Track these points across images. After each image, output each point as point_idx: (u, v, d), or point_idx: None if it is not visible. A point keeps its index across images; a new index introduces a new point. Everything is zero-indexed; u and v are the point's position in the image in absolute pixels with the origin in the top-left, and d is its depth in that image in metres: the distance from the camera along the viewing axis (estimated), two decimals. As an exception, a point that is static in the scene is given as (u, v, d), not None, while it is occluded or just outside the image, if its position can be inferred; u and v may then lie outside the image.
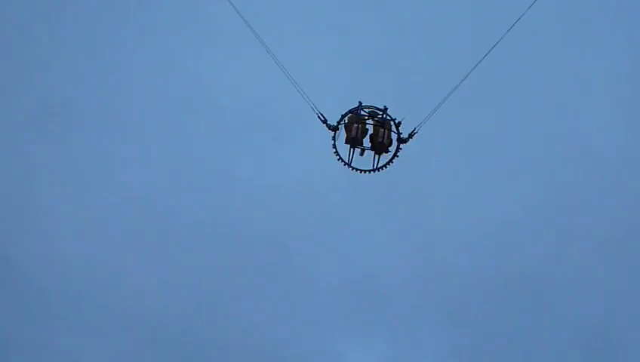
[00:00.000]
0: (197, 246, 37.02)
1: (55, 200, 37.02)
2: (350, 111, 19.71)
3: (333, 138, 19.88)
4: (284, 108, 34.93)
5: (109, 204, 37.04)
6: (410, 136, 19.69)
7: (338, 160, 19.73)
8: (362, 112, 19.69)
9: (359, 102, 19.83)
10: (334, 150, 19.76)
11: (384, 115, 19.57)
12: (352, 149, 19.64)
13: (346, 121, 19.62)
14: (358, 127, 19.37)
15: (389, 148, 19.65)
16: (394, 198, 36.58)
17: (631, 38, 38.15)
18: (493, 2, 34.78)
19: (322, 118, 19.80)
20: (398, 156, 19.54)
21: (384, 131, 19.44)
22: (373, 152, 19.72)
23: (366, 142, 19.74)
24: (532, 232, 37.36)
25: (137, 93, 37.69)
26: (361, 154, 19.87)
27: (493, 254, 37.13)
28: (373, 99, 19.80)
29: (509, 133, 37.61)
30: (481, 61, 21.26)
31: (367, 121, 19.56)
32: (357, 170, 19.68)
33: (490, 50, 21.53)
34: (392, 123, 19.59)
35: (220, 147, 37.49)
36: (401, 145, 19.57)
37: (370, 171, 19.63)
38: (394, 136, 19.56)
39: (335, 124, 19.82)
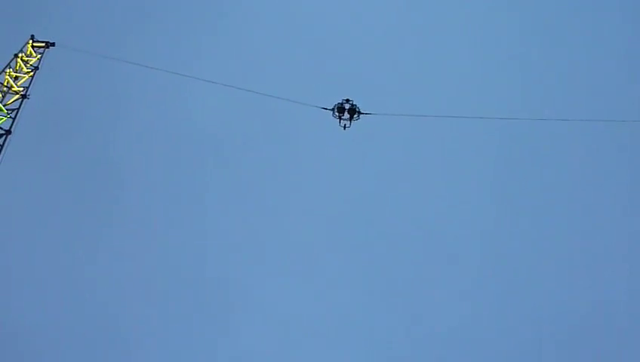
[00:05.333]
0: None
1: None
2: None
3: (333, 113, 38.03)
4: None
5: None
6: (364, 113, 38.01)
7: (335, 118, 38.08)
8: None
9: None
10: (334, 116, 38.04)
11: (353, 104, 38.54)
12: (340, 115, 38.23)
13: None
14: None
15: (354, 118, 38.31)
16: None
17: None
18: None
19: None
20: (358, 119, 37.97)
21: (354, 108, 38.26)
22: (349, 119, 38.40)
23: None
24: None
25: None
26: (344, 128, 38.22)
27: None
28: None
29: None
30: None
31: (346, 105, 38.27)
32: (342, 120, 37.80)
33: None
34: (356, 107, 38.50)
35: None
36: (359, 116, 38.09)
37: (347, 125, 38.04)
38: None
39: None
